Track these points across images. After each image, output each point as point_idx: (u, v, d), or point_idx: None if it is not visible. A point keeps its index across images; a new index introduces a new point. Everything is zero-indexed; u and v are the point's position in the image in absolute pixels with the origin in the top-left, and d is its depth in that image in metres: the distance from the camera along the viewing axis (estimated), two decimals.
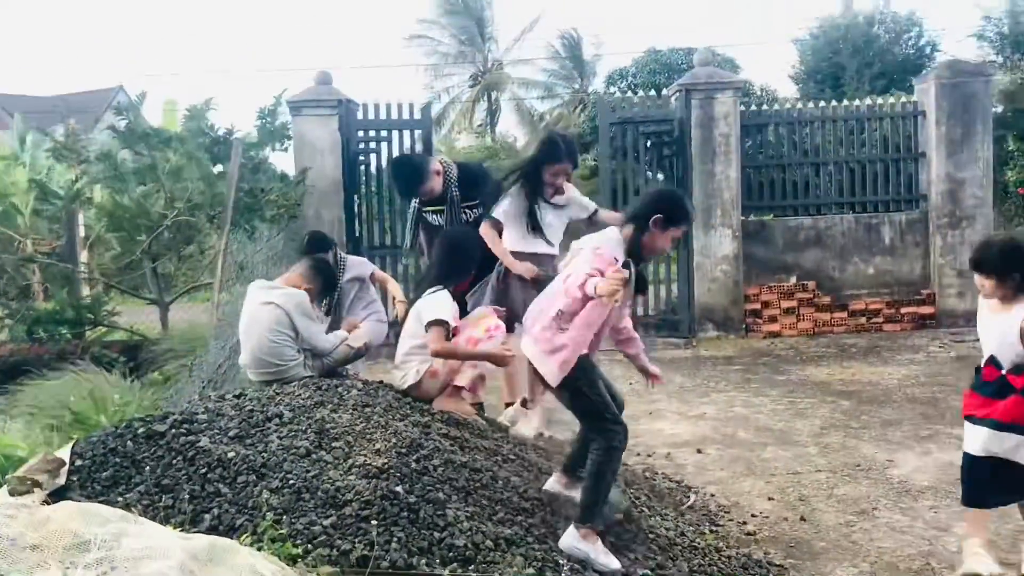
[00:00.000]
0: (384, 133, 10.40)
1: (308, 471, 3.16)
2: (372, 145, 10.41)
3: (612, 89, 25.45)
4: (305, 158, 10.10)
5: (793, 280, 10.26)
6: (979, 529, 3.68)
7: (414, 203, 5.63)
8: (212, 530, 2.94)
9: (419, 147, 10.42)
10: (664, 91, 11.23)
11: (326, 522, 2.93)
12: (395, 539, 2.89)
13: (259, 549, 2.77)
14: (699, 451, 5.77)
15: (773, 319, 10.13)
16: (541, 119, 35.36)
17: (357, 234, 10.33)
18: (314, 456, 3.26)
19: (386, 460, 3.22)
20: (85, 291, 10.79)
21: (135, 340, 9.80)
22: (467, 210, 5.55)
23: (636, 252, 3.41)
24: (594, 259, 3.27)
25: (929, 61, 18.90)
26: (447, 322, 4.49)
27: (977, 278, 3.75)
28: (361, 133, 10.38)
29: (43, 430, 6.93)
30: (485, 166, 6.50)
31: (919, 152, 10.34)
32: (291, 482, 3.10)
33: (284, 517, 2.95)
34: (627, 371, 8.58)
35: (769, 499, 4.79)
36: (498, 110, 37.31)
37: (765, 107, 11.59)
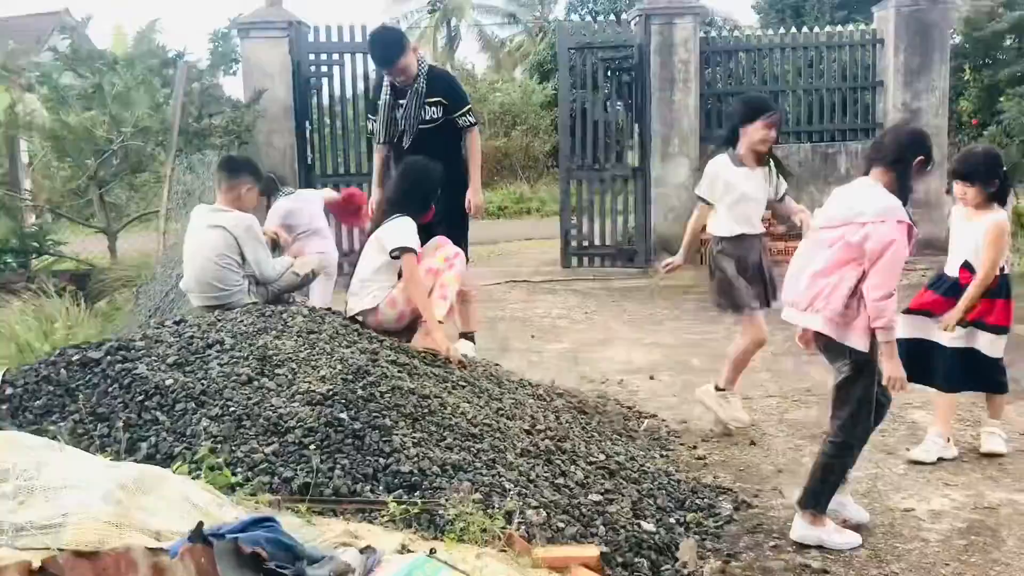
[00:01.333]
0: (336, 57, 10.11)
1: (249, 398, 3.08)
2: (324, 69, 10.13)
3: (573, 16, 25.01)
4: (255, 82, 9.80)
5: None
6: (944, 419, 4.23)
7: (386, 90, 5.38)
8: (149, 459, 2.86)
9: (372, 72, 10.14)
10: (623, 16, 11.00)
11: (267, 449, 2.87)
12: (339, 466, 2.83)
13: (195, 478, 2.70)
14: (651, 377, 5.79)
15: None
16: (502, 46, 34.82)
17: (309, 161, 10.10)
18: (256, 383, 3.17)
19: (331, 386, 3.15)
20: (32, 220, 10.48)
21: (84, 269, 9.57)
22: (428, 106, 5.35)
23: (904, 199, 3.27)
24: (891, 231, 3.12)
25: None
26: (415, 249, 4.39)
27: (958, 187, 4.05)
28: (312, 56, 10.08)
29: None
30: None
31: (877, 81, 10.30)
32: (231, 409, 3.02)
33: (224, 445, 2.88)
34: (582, 301, 8.60)
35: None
36: (458, 36, 36.56)
37: (725, 34, 11.40)
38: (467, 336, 5.22)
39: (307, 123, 10.05)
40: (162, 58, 9.82)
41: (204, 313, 4.07)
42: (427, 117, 5.35)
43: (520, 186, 20.52)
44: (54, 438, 2.64)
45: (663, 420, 4.85)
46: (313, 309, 4.08)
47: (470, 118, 5.45)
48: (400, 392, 3.26)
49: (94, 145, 9.19)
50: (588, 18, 23.82)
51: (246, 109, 9.71)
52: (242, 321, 3.63)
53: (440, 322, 4.39)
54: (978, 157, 4.09)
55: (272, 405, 3.05)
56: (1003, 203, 4.13)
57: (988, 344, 4.11)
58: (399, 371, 3.51)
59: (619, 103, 10.61)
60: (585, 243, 10.47)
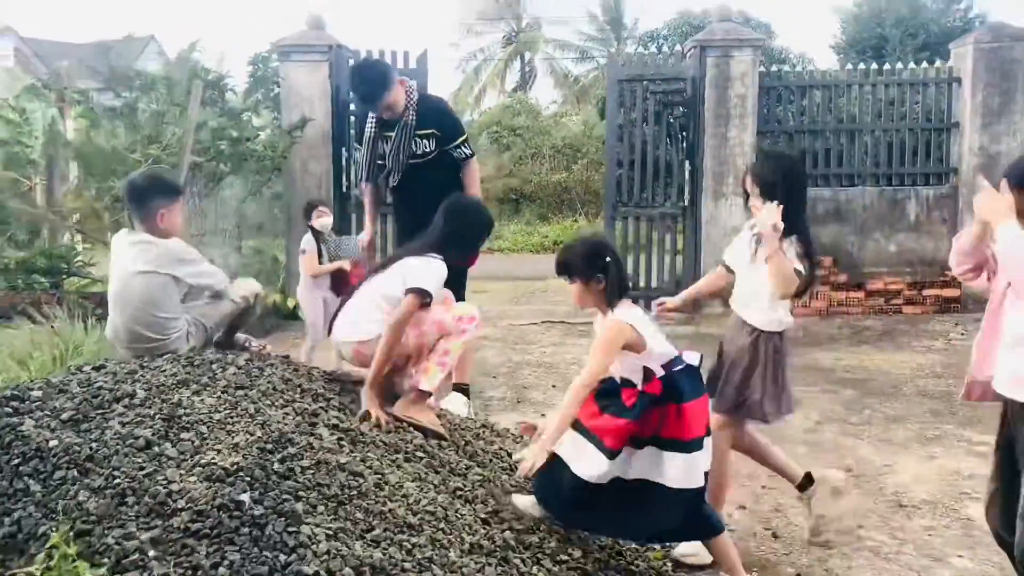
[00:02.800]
0: None
1: (142, 468, 2.60)
2: None
3: (642, 51, 24.51)
4: (293, 106, 9.51)
5: None
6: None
7: (370, 124, 4.96)
8: (9, 537, 2.40)
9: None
10: (679, 47, 10.44)
11: (145, 536, 2.37)
12: (226, 562, 2.32)
13: (47, 570, 2.22)
14: None
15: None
16: (576, 82, 34.53)
17: (344, 189, 9.74)
18: (155, 449, 2.69)
19: (240, 459, 2.64)
20: (65, 239, 10.35)
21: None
22: (420, 139, 4.90)
23: None
24: None
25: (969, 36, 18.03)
26: (430, 295, 3.74)
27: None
28: None
29: None
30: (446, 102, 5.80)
31: (952, 123, 9.51)
32: (116, 481, 2.53)
33: (96, 527, 2.39)
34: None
35: (740, 507, 4.18)
36: (532, 71, 36.39)
37: (786, 68, 10.76)
38: (460, 388, 4.69)
39: (344, 149, 9.70)
40: (204, 80, 9.61)
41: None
42: (419, 151, 4.88)
43: (579, 221, 20.02)
44: None
45: None
46: (255, 358, 3.55)
47: (466, 149, 4.97)
48: (326, 468, 2.74)
49: (124, 165, 8.98)
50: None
51: (288, 133, 9.42)
52: (164, 370, 3.16)
53: (428, 393, 3.78)
54: (575, 250, 3.28)
55: (165, 478, 2.55)
56: None
57: None
58: (338, 439, 2.99)
59: (669, 138, 10.01)
60: (629, 284, 9.84)
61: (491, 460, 3.55)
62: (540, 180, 20.98)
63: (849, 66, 10.05)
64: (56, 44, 25.45)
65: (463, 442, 3.64)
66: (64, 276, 9.66)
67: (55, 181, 10.55)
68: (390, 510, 2.71)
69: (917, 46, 19.81)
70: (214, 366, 3.24)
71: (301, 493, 2.60)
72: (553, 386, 6.52)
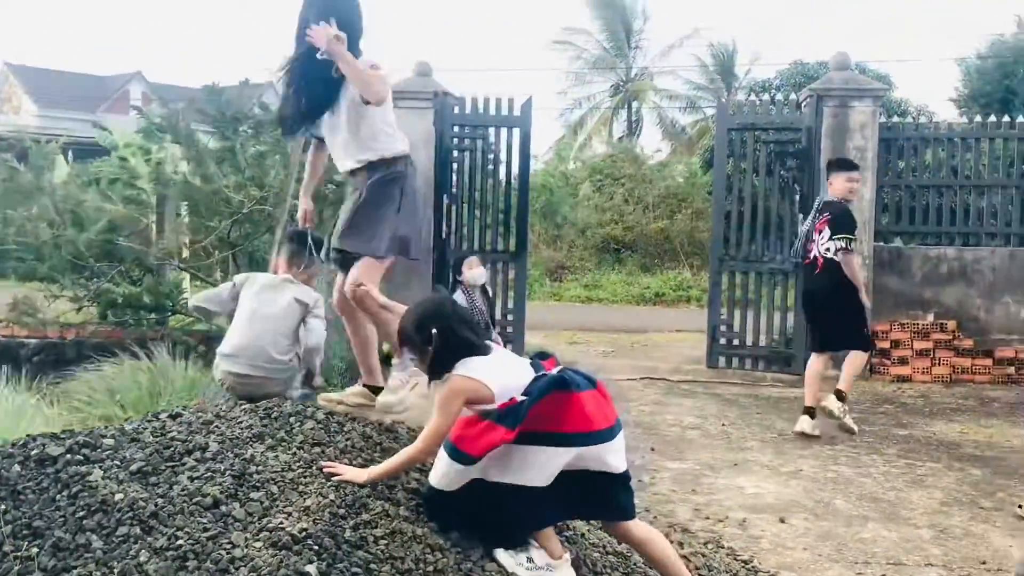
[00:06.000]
0: (480, 130, 9.70)
1: (206, 529, 2.43)
2: (467, 142, 9.73)
3: (754, 99, 24.07)
4: None
5: (930, 318, 8.94)
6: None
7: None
8: None
9: (516, 146, 9.67)
10: (793, 96, 10.07)
11: None
12: None
13: None
14: (782, 520, 4.74)
15: (903, 361, 8.85)
16: (683, 132, 34.22)
17: (443, 236, 9.65)
18: (222, 509, 2.52)
19: (310, 524, 2.44)
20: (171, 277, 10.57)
21: (217, 331, 9.46)
22: None
23: None
24: None
25: None
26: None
27: None
28: (456, 129, 9.70)
29: (72, 416, 6.60)
30: None
31: None
32: (179, 543, 2.37)
33: None
34: (722, 409, 7.59)
35: None
36: (640, 121, 36.24)
37: (908, 119, 10.25)
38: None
39: (445, 196, 9.65)
40: None
41: (227, 395, 3.57)
42: None
43: (682, 272, 19.55)
44: None
45: None
46: (334, 414, 3.37)
47: None
48: (401, 539, 2.51)
49: (228, 206, 9.12)
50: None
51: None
52: (241, 422, 3.00)
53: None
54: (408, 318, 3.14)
55: (230, 542, 2.37)
56: None
57: None
58: (417, 506, 2.77)
59: (781, 191, 9.61)
60: (736, 342, 9.43)
61: (582, 536, 3.26)
62: (642, 229, 20.63)
63: (978, 118, 9.46)
64: (176, 88, 26.66)
65: None
66: (170, 313, 9.86)
67: (165, 220, 10.85)
68: None
69: None
70: (292, 419, 3.07)
71: (373, 566, 2.39)
72: (652, 449, 6.17)
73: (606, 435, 2.92)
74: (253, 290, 4.45)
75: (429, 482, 2.87)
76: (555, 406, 2.82)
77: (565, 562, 2.94)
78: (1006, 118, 9.35)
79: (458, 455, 2.77)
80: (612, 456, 2.96)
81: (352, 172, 3.85)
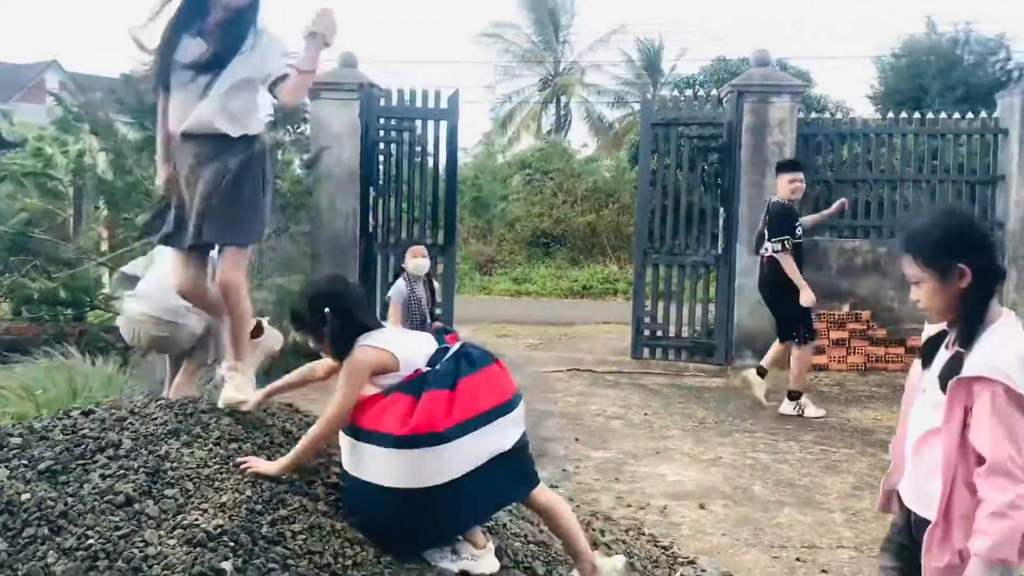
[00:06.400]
0: (407, 122, 9.65)
1: (118, 528, 2.38)
2: (393, 134, 9.67)
3: (677, 95, 24.43)
4: (322, 144, 9.41)
5: (846, 309, 9.21)
6: None
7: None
8: None
9: (444, 138, 9.64)
10: (715, 92, 10.25)
11: None
12: None
13: None
14: (702, 506, 4.85)
15: (820, 351, 9.08)
16: (611, 127, 34.51)
17: (371, 229, 9.59)
18: (135, 507, 2.48)
19: (226, 521, 2.42)
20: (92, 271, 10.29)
21: None
22: None
23: None
24: None
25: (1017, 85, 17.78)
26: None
27: None
28: (382, 120, 9.63)
29: None
30: None
31: (998, 175, 9.21)
32: (89, 542, 2.32)
33: None
34: (646, 399, 7.71)
35: None
36: (568, 115, 36.41)
37: (827, 115, 10.53)
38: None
39: (371, 189, 9.58)
40: None
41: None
42: None
43: (609, 266, 19.76)
44: None
45: (702, 571, 3.92)
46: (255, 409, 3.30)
47: None
48: (319, 533, 2.50)
49: (148, 199, 8.91)
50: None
51: (308, 167, 9.33)
52: (155, 418, 2.95)
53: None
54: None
55: (143, 540, 2.33)
56: None
57: None
58: (336, 500, 2.75)
59: (704, 185, 9.79)
60: (659, 333, 9.58)
61: (503, 527, 3.29)
62: (570, 223, 20.79)
63: (891, 115, 9.77)
64: (95, 78, 25.88)
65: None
66: (88, 309, 9.58)
67: (83, 213, 10.55)
68: None
69: (957, 98, 19.54)
70: (208, 415, 3.02)
71: (290, 561, 2.37)
72: (576, 439, 6.25)
73: (511, 406, 2.90)
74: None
75: (380, 485, 2.70)
76: (472, 387, 2.80)
77: (489, 551, 2.95)
78: (917, 115, 9.68)
79: (416, 439, 2.66)
80: (515, 427, 2.93)
81: (192, 137, 3.24)
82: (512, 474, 2.91)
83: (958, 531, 2.13)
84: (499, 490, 2.91)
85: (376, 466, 2.69)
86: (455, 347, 2.94)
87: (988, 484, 2.04)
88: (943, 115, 9.63)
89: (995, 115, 9.43)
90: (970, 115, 9.54)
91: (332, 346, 2.90)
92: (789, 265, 6.87)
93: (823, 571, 3.99)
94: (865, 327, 9.10)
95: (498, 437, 2.83)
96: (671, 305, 9.55)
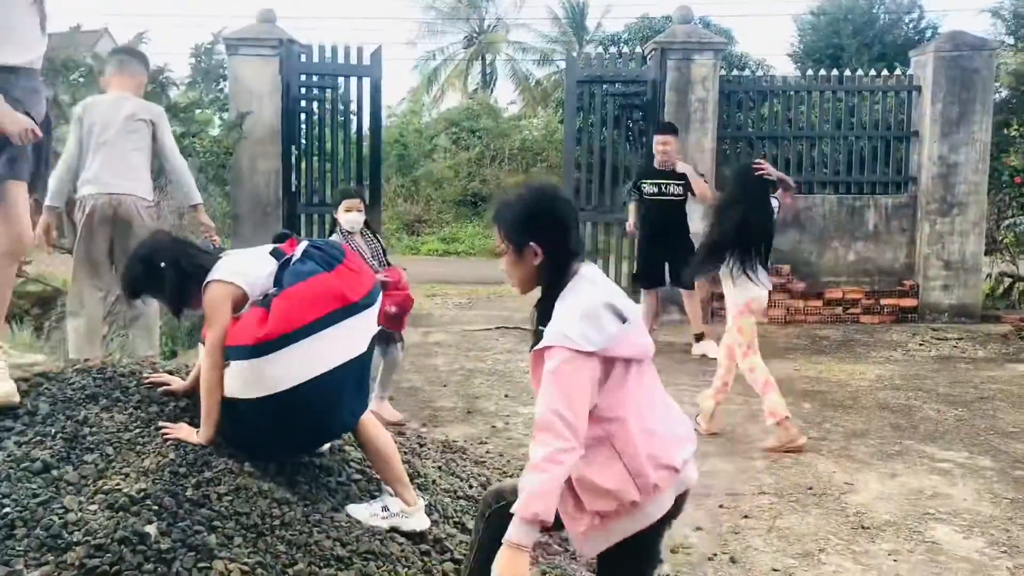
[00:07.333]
0: (329, 79, 9.47)
1: (36, 495, 2.32)
2: (315, 92, 9.47)
3: (602, 53, 24.51)
4: (241, 102, 9.17)
5: None
6: None
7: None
8: None
9: (367, 96, 9.48)
10: (639, 49, 10.29)
11: (34, 574, 2.10)
12: None
13: None
14: None
15: None
16: (537, 85, 34.37)
17: (294, 189, 9.42)
18: (53, 473, 2.42)
19: (148, 484, 2.38)
20: None
21: (49, 291, 8.95)
22: None
23: None
24: None
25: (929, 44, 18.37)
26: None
27: None
28: (304, 78, 9.42)
29: None
30: None
31: (912, 131, 9.48)
32: (5, 510, 2.26)
33: None
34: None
35: (697, 528, 3.98)
36: (494, 73, 36.12)
37: (748, 72, 10.67)
38: None
39: (293, 148, 9.39)
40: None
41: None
42: None
43: None
44: None
45: None
46: (173, 372, 3.25)
47: None
48: (246, 495, 2.48)
49: (56, 158, 8.59)
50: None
51: (231, 129, 9.09)
52: (72, 383, 2.87)
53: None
54: None
55: (62, 507, 2.28)
56: None
57: None
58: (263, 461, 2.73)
59: (630, 142, 9.85)
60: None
61: (433, 483, 3.31)
62: (499, 182, 20.77)
63: (809, 72, 9.95)
64: None
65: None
66: None
67: None
68: (316, 542, 2.46)
69: (873, 56, 20.01)
70: (127, 379, 2.96)
71: (216, 523, 2.35)
72: (506, 395, 6.30)
73: (359, 307, 2.86)
74: (93, 119, 4.94)
75: (238, 397, 2.67)
76: (316, 287, 2.77)
77: (419, 508, 2.97)
78: (835, 72, 9.87)
79: (262, 347, 2.64)
80: (365, 331, 2.89)
81: None
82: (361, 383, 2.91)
83: (586, 495, 2.15)
84: (355, 397, 2.88)
85: (230, 381, 2.69)
86: (298, 249, 2.92)
87: (534, 442, 2.06)
88: (860, 73, 9.84)
89: (909, 72, 9.68)
90: (885, 72, 9.77)
91: (181, 300, 2.89)
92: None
93: (745, 516, 4.12)
94: (785, 281, 9.32)
95: (345, 340, 2.79)
96: (598, 261, 9.60)
